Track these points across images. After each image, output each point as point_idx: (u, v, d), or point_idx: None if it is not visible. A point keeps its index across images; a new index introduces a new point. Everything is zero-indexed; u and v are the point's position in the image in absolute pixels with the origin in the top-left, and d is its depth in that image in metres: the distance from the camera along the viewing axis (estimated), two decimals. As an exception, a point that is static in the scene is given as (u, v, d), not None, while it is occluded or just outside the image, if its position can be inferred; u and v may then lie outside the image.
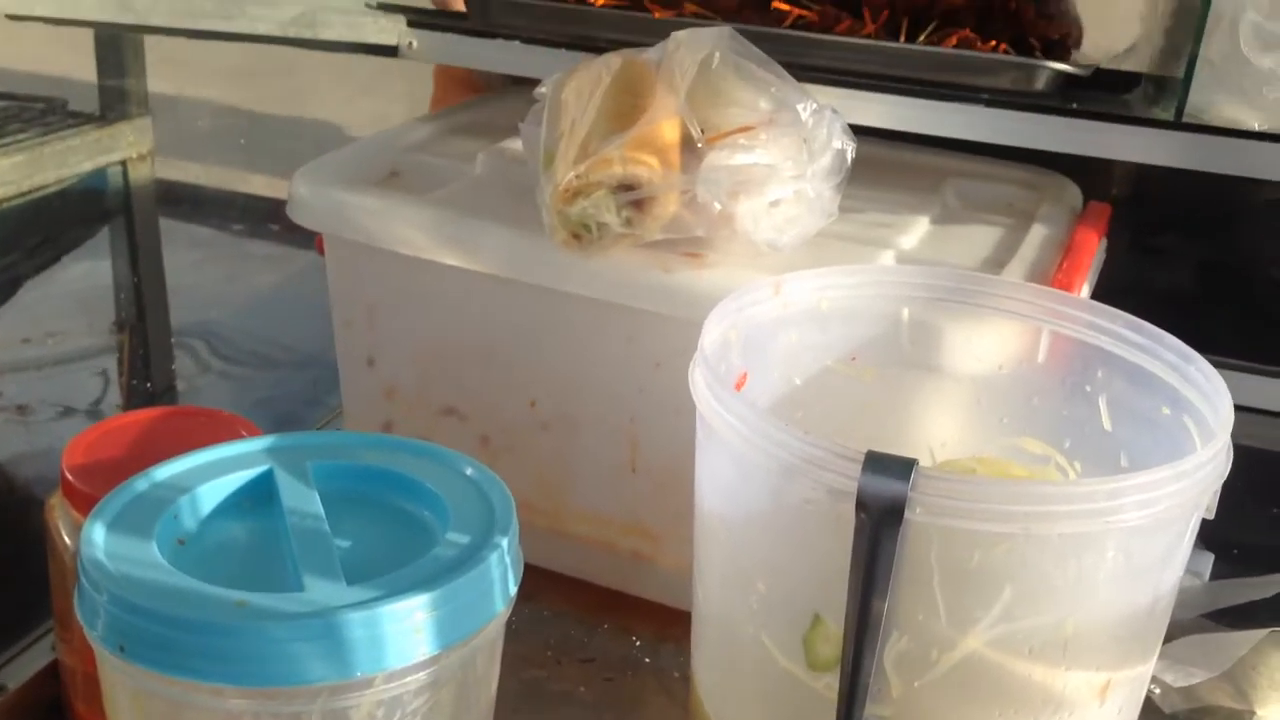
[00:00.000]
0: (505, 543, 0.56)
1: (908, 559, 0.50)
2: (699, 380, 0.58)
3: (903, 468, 0.48)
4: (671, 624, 0.82)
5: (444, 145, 0.97)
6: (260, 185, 1.61)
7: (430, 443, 0.65)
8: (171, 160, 1.47)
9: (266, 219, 1.52)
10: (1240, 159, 0.81)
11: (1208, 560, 0.93)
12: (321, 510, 0.58)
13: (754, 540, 0.57)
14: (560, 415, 0.85)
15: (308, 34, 0.88)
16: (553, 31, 0.99)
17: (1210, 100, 0.82)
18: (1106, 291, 0.93)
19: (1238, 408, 1.24)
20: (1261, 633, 0.82)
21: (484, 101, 1.07)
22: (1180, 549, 0.55)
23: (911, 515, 0.49)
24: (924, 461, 0.69)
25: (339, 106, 1.77)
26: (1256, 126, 0.79)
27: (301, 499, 0.59)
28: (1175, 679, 0.76)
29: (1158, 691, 0.76)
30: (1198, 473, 0.51)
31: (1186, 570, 0.90)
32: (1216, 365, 1.23)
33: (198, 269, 1.43)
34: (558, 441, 0.86)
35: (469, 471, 0.62)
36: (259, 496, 0.59)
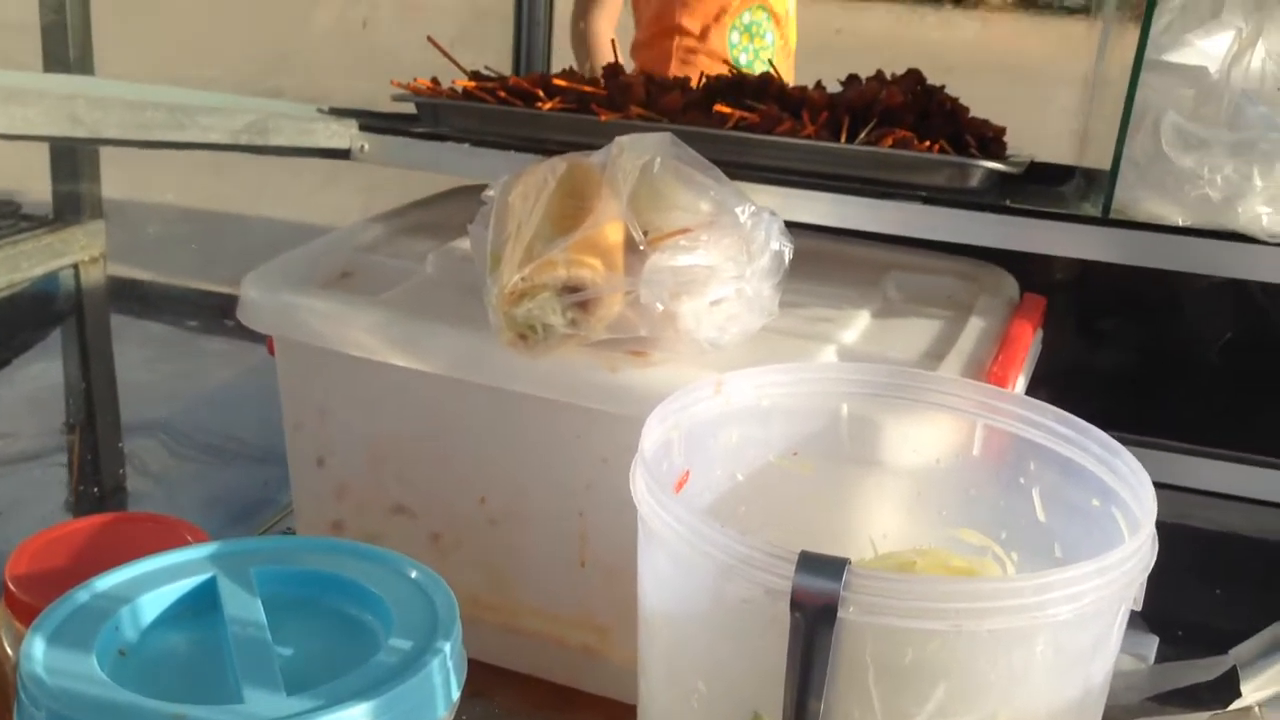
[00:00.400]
0: (448, 647, 0.56)
1: (843, 657, 0.51)
2: (639, 482, 0.59)
3: (835, 567, 0.50)
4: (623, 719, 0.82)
5: (396, 245, 0.98)
6: (215, 281, 1.62)
7: (374, 546, 0.65)
8: (125, 261, 1.48)
9: (220, 314, 1.52)
10: (1166, 253, 0.83)
11: (1152, 643, 0.94)
12: (264, 618, 0.58)
13: (694, 639, 0.57)
14: (510, 511, 0.86)
15: (259, 141, 0.90)
16: (502, 134, 1.01)
17: (1136, 197, 0.85)
18: (1048, 374, 0.95)
19: (1178, 489, 1.27)
20: (1205, 715, 0.83)
21: (436, 201, 1.09)
22: (1109, 640, 0.56)
23: (845, 614, 0.50)
24: (865, 554, 0.71)
25: (297, 201, 1.79)
26: (1180, 222, 0.82)
27: (244, 607, 0.59)
28: (1122, 764, 0.77)
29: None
30: (1123, 566, 0.52)
31: (1132, 653, 0.91)
32: (1155, 448, 1.27)
33: (151, 366, 1.43)
34: (508, 537, 0.86)
35: (413, 574, 0.63)
36: (202, 604, 0.59)
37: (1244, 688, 0.81)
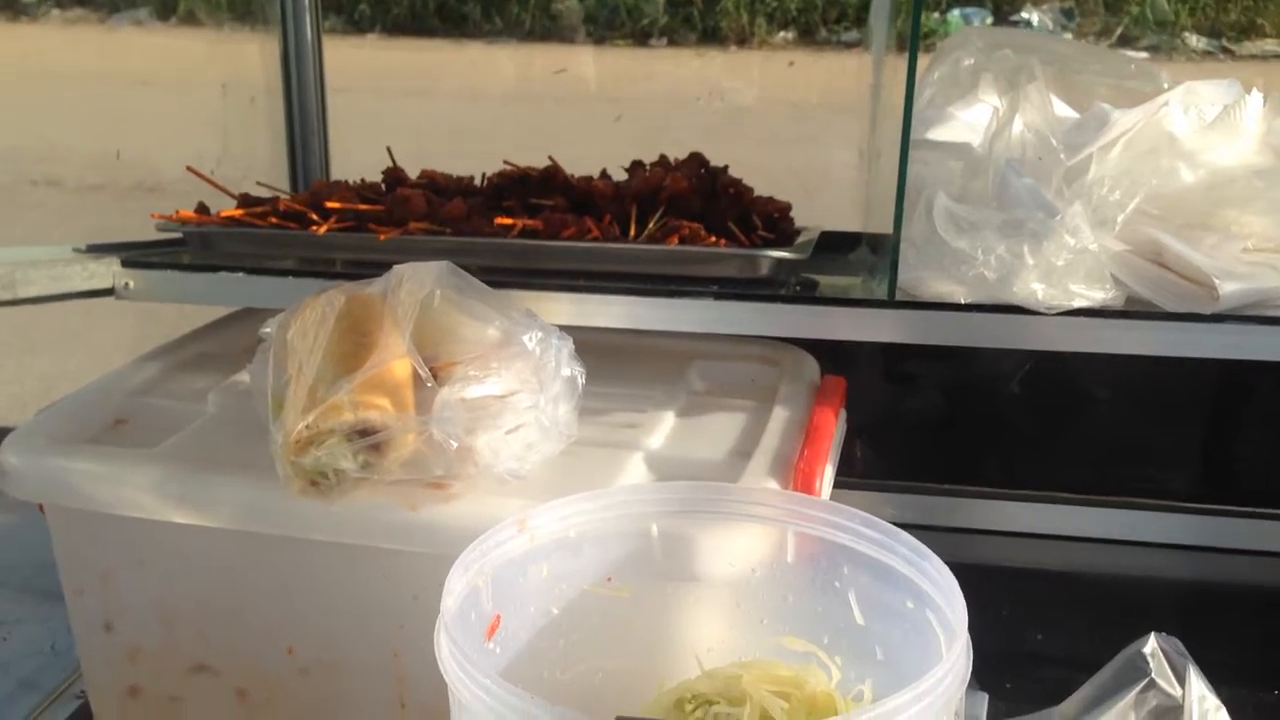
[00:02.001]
0: None
1: (671, 822, 0.48)
2: (444, 649, 0.56)
3: (652, 732, 0.48)
4: None
5: (173, 384, 0.93)
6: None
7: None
8: None
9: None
10: (951, 331, 0.85)
11: (982, 701, 0.95)
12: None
13: (518, 810, 0.54)
14: (320, 660, 0.81)
15: (6, 296, 0.84)
16: (278, 258, 0.97)
17: (919, 277, 0.86)
18: (866, 421, 0.96)
19: (996, 533, 1.30)
20: (1040, 772, 0.85)
21: (215, 329, 1.04)
22: (938, 755, 0.55)
23: (669, 778, 0.48)
24: (692, 671, 0.69)
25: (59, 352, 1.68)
26: (962, 300, 0.84)
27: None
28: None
29: None
30: (939, 686, 0.52)
31: (965, 715, 0.92)
32: (973, 495, 1.30)
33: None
34: (320, 686, 0.82)
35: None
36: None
37: (1071, 745, 0.82)
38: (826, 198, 1.27)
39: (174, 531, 0.77)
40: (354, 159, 1.38)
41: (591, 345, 0.77)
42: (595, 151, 1.20)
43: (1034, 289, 0.81)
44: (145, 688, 0.86)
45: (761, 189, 1.12)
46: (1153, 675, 0.81)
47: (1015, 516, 1.27)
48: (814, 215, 1.14)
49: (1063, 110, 0.99)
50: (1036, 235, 0.81)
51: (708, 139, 1.17)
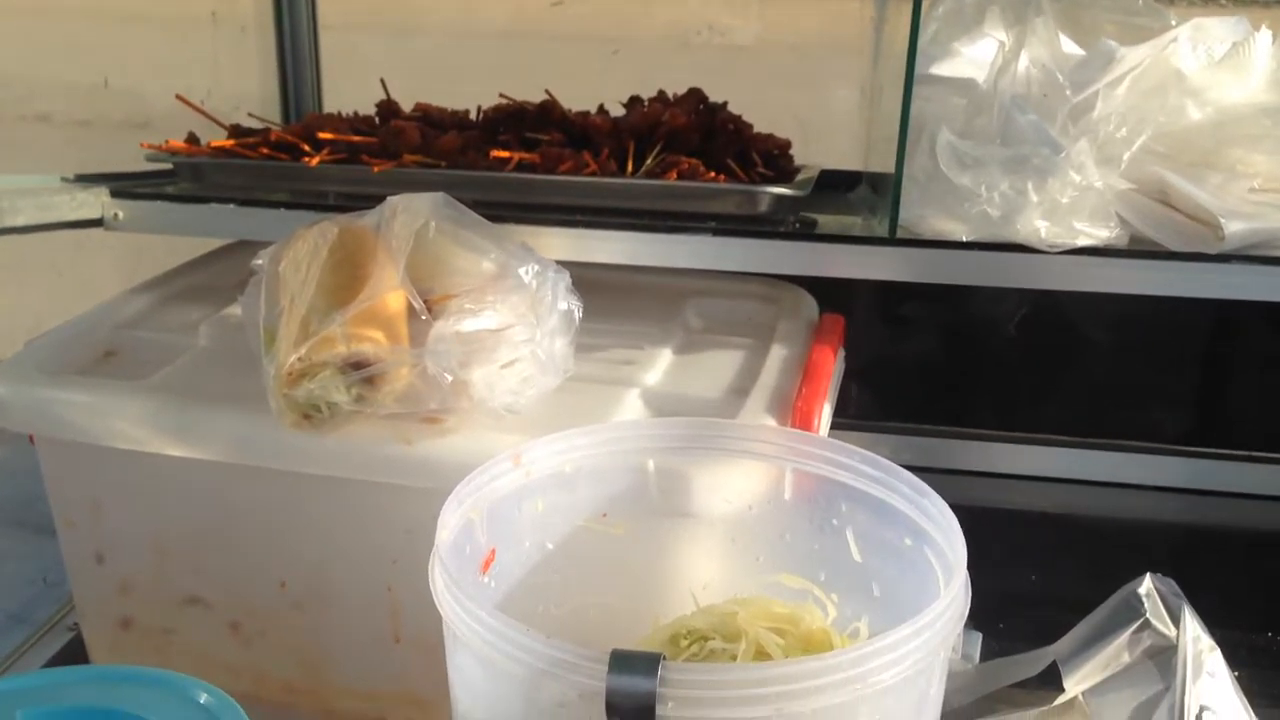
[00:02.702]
0: (243, 785, 0.51)
1: (667, 754, 0.48)
2: (438, 581, 0.55)
3: (649, 664, 0.47)
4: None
5: (164, 316, 0.91)
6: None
7: (157, 670, 0.60)
8: None
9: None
10: (953, 269, 0.84)
11: (976, 640, 0.95)
12: (33, 773, 0.52)
13: (513, 744, 0.54)
14: (314, 593, 0.81)
15: (-8, 226, 0.82)
16: (270, 190, 0.95)
17: (920, 214, 0.85)
18: (863, 362, 0.95)
19: (992, 475, 1.30)
20: (1033, 712, 0.85)
21: (206, 262, 1.02)
22: (933, 690, 0.55)
23: (664, 711, 0.47)
24: (687, 607, 0.69)
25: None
26: (964, 238, 0.83)
27: (11, 760, 0.53)
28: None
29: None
30: (938, 622, 0.51)
31: (958, 654, 0.92)
32: (968, 437, 1.30)
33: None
34: (314, 619, 0.82)
35: (203, 699, 0.58)
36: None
37: (1067, 683, 0.82)
38: (825, 139, 1.25)
39: (165, 464, 0.76)
40: (346, 98, 1.35)
41: (587, 282, 0.76)
42: (591, 91, 1.18)
43: (1037, 226, 0.80)
44: (138, 619, 0.86)
45: (760, 128, 1.10)
46: (1147, 615, 0.81)
47: (1010, 458, 1.27)
48: (812, 156, 1.12)
49: (1069, 47, 0.97)
50: (1041, 172, 0.79)
51: (706, 78, 1.15)
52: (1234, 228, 0.82)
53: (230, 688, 0.58)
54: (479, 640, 0.51)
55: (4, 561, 1.16)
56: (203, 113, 1.02)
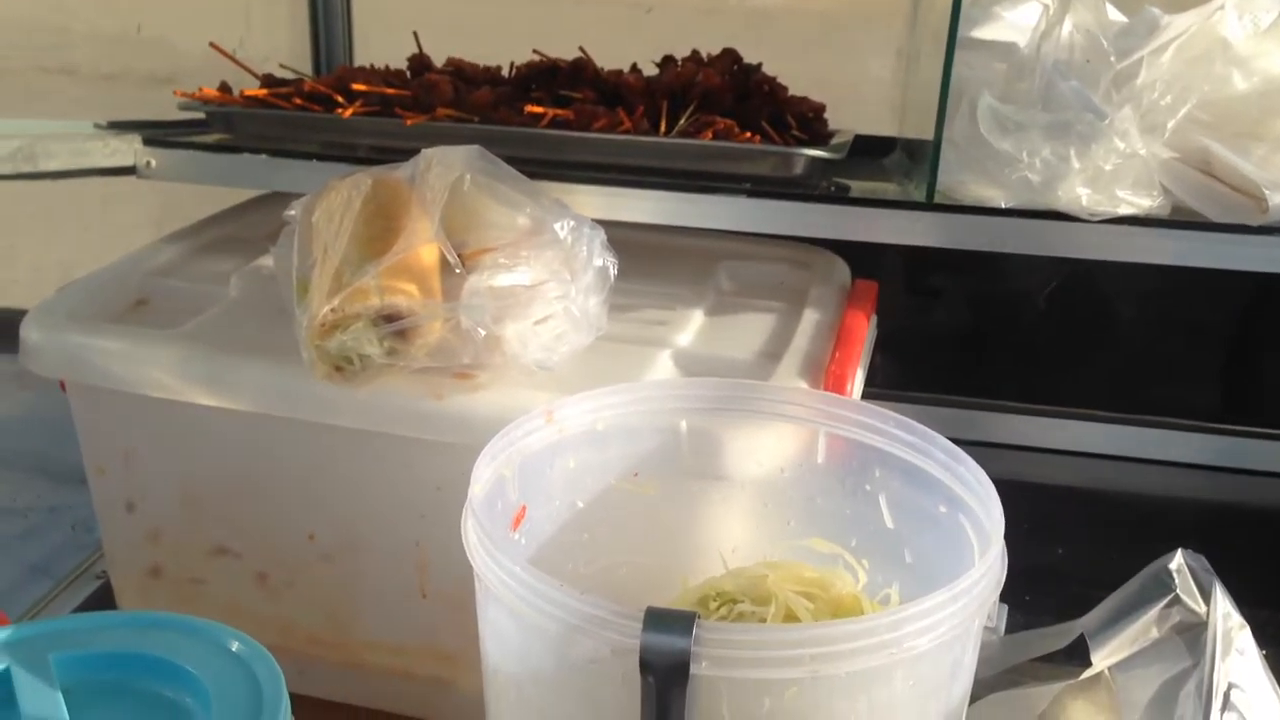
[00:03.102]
0: (275, 729, 0.52)
1: (699, 713, 0.48)
2: (471, 535, 0.55)
3: (684, 623, 0.47)
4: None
5: (195, 266, 0.91)
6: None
7: (188, 617, 0.60)
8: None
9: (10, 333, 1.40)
10: (991, 236, 0.83)
11: (1002, 612, 0.95)
12: (65, 713, 0.52)
13: (542, 698, 0.54)
14: (342, 546, 0.81)
15: (28, 169, 0.82)
16: (302, 142, 0.94)
17: (959, 180, 0.84)
18: (892, 332, 0.94)
19: (1020, 448, 1.29)
20: (1058, 686, 0.84)
21: (238, 213, 1.02)
22: (967, 657, 0.55)
23: (698, 670, 0.47)
24: (716, 570, 0.68)
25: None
26: (1003, 204, 0.82)
27: (42, 701, 0.53)
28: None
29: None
30: (975, 589, 0.51)
31: (983, 626, 0.92)
32: (997, 409, 1.29)
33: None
34: (342, 572, 0.82)
35: (234, 646, 0.58)
36: (-3, 699, 0.54)
37: (1094, 657, 0.82)
38: (856, 106, 1.23)
39: (196, 413, 0.76)
40: (377, 52, 1.34)
41: (619, 242, 0.75)
42: (623, 51, 1.16)
43: (1079, 194, 0.79)
44: (167, 568, 0.86)
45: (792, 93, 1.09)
46: (1177, 591, 0.80)
47: (1039, 432, 1.26)
48: (842, 122, 1.11)
49: (1114, 14, 0.96)
50: (1084, 138, 0.78)
51: (737, 41, 1.13)
52: (1278, 200, 0.80)
53: (257, 638, 0.58)
54: (512, 595, 0.51)
55: (30, 512, 1.17)
56: (236, 61, 1.01)
